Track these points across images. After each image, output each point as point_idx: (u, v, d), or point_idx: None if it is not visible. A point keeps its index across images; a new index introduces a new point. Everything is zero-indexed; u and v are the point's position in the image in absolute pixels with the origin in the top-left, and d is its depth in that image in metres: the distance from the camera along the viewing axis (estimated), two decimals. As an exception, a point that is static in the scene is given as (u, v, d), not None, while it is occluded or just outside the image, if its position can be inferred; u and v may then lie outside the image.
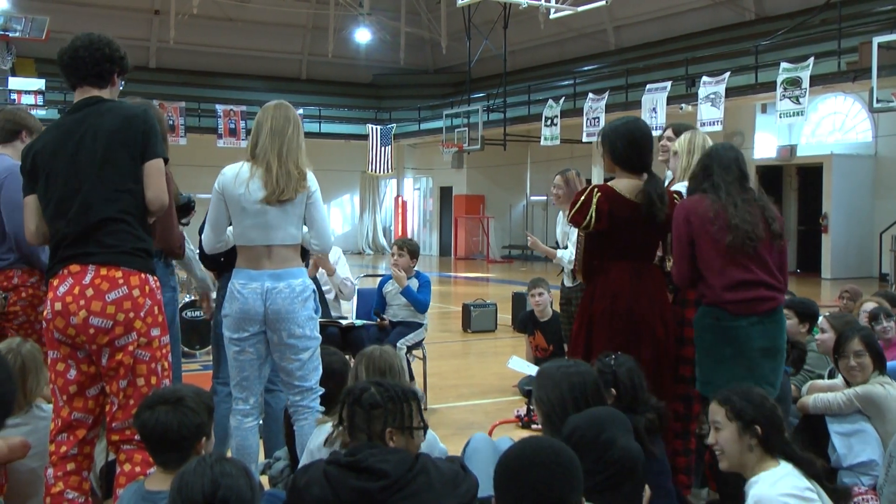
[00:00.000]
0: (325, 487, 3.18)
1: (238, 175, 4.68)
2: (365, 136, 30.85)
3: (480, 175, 32.38)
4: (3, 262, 5.05)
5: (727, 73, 20.32)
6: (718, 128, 20.08)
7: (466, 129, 27.38)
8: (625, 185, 4.86)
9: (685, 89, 21.94)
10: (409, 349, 8.00)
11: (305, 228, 4.79)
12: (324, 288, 7.98)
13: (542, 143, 25.51)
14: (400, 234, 34.07)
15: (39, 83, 27.04)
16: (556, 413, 3.79)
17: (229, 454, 4.87)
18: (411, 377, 7.48)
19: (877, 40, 16.76)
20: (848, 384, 5.21)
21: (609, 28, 31.81)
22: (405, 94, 36.48)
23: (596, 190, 4.82)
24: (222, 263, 5.27)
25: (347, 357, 5.55)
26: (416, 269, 8.33)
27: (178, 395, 3.39)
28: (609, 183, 4.95)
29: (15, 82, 27.24)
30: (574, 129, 24.16)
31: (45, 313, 3.95)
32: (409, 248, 8.26)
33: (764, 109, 23.21)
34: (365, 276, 12.97)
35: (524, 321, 9.48)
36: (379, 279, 8.68)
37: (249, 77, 35.38)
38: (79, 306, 3.81)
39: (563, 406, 3.78)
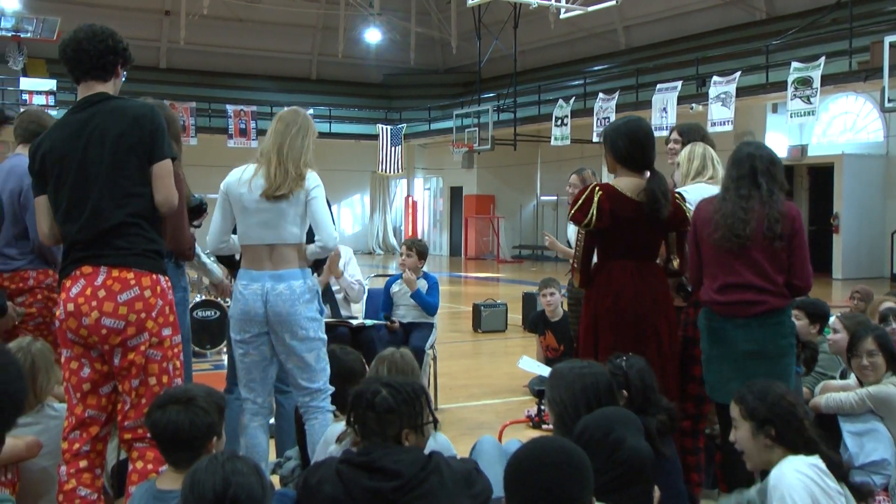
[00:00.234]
0: (338, 486, 3.19)
1: (241, 176, 4.74)
2: (375, 137, 30.88)
3: (491, 175, 32.37)
4: (20, 263, 5.07)
5: (738, 73, 20.26)
6: (729, 128, 20.03)
7: (477, 129, 27.38)
8: (626, 183, 4.85)
9: (696, 89, 21.89)
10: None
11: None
12: (333, 288, 7.98)
13: (553, 143, 25.48)
14: (410, 234, 34.10)
15: (51, 84, 27.17)
16: (568, 414, 3.78)
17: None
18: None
19: (888, 39, 16.67)
20: (861, 384, 5.19)
21: (619, 28, 31.77)
22: (415, 94, 36.49)
23: (597, 188, 4.82)
24: (237, 262, 5.30)
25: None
26: (424, 269, 8.32)
27: (189, 394, 3.39)
28: (611, 182, 4.94)
29: (26, 83, 27.41)
30: (584, 129, 24.13)
31: (57, 313, 3.97)
32: (418, 249, 8.24)
33: (775, 109, 23.15)
34: (375, 276, 12.98)
35: (535, 321, 9.47)
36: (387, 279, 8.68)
37: (260, 77, 35.45)
38: (91, 307, 3.83)
39: (575, 407, 3.77)
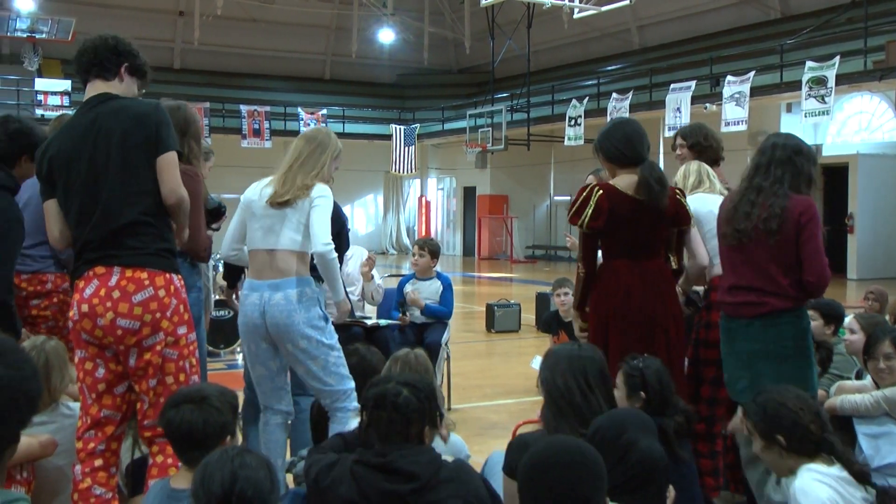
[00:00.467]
0: (352, 486, 3.18)
1: (258, 185, 4.84)
2: (389, 137, 30.93)
3: (504, 175, 32.35)
4: (40, 265, 5.10)
5: (752, 73, 20.21)
6: (743, 127, 19.98)
7: (490, 129, 27.39)
8: (625, 181, 4.85)
9: (709, 89, 21.83)
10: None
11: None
12: (349, 289, 7.98)
13: (566, 143, 25.47)
14: (423, 234, 34.08)
15: (65, 84, 27.30)
16: (559, 394, 3.82)
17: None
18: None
19: (903, 39, 16.63)
20: (877, 386, 5.16)
21: (633, 27, 31.70)
22: (429, 94, 36.50)
23: (597, 188, 4.83)
24: (238, 276, 5.39)
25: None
26: (436, 269, 8.32)
27: (202, 393, 3.40)
28: (610, 181, 4.94)
29: (41, 83, 27.56)
30: (598, 129, 23.77)
31: (71, 314, 3.98)
32: (430, 248, 8.24)
33: (789, 109, 23.05)
34: (389, 275, 12.98)
35: (548, 321, 9.45)
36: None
37: (273, 78, 35.52)
38: (105, 308, 3.83)
39: (567, 388, 3.79)
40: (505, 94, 29.88)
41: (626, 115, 22.39)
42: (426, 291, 8.15)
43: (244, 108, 29.53)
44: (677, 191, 4.97)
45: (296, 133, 29.73)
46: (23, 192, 4.88)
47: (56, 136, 4.10)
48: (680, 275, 5.13)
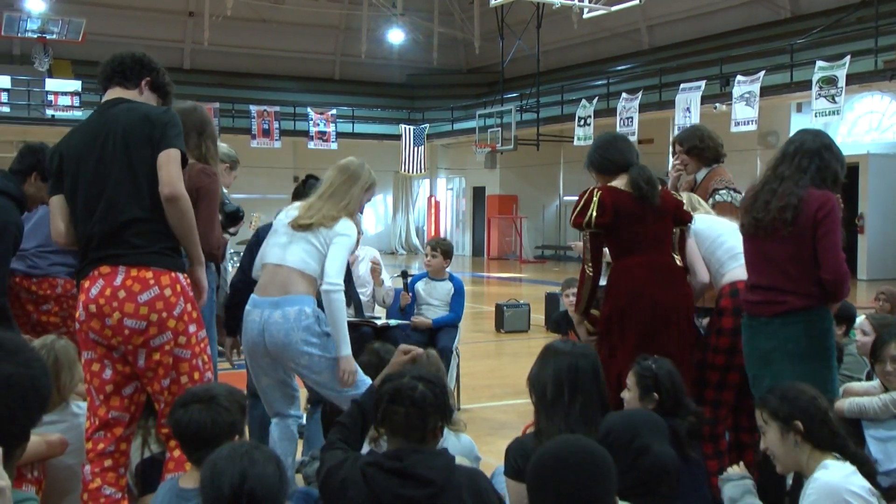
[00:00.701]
0: (363, 490, 3.16)
1: (289, 208, 4.91)
2: (398, 137, 30.93)
3: (513, 175, 32.33)
4: (51, 270, 5.11)
5: (762, 72, 20.15)
6: (753, 127, 19.93)
7: (499, 129, 27.40)
8: (622, 182, 4.93)
9: (719, 88, 21.78)
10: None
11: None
12: (360, 290, 7.97)
13: (576, 143, 25.42)
14: (433, 234, 34.11)
15: (76, 84, 27.39)
16: (542, 391, 3.83)
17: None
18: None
19: (915, 38, 16.58)
20: (885, 389, 5.13)
21: (643, 27, 31.66)
22: (438, 95, 36.51)
23: (597, 189, 4.89)
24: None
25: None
26: (448, 270, 8.31)
27: (210, 393, 3.39)
28: (609, 184, 4.98)
29: (52, 84, 27.64)
30: (607, 129, 23.98)
31: (77, 314, 3.97)
32: (443, 249, 8.24)
33: (799, 108, 22.95)
34: (398, 276, 12.95)
35: (558, 321, 9.43)
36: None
37: (283, 78, 35.56)
38: (112, 308, 3.83)
39: (557, 386, 3.79)
40: (514, 95, 29.87)
41: (636, 114, 22.46)
42: (438, 292, 8.15)
43: (254, 109, 29.55)
44: (674, 194, 4.99)
45: (305, 133, 29.84)
46: None
47: (69, 134, 4.14)
48: (687, 272, 5.12)
